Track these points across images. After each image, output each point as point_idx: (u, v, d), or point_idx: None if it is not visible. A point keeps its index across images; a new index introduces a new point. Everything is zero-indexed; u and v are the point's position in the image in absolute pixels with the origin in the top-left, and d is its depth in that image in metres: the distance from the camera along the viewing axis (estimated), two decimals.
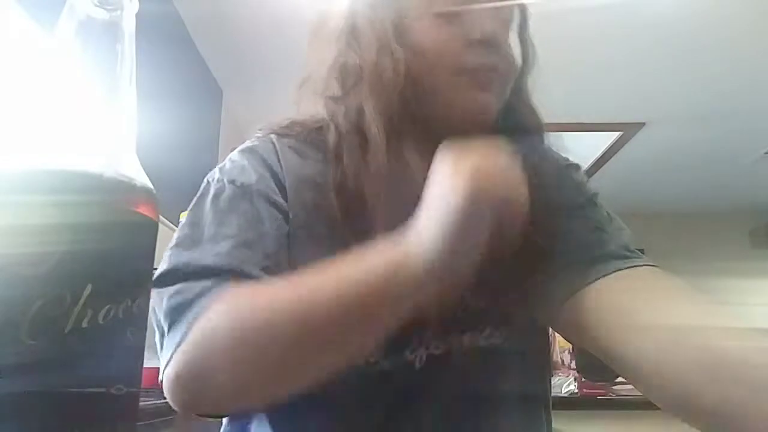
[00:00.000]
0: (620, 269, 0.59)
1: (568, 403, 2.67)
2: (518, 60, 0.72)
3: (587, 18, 2.50)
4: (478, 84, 0.65)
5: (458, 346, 0.61)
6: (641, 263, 0.60)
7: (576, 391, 2.71)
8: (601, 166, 3.81)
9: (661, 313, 0.55)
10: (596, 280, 0.59)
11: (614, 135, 3.51)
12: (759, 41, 2.63)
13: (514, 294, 0.61)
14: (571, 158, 0.77)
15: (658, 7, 2.43)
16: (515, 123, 0.70)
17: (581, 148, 3.71)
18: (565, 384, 2.78)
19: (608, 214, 0.70)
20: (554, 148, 0.75)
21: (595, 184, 0.74)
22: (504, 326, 0.63)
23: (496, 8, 0.68)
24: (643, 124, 3.38)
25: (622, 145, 3.60)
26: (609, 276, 0.59)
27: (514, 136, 0.61)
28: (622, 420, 2.67)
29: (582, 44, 2.68)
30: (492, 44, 0.66)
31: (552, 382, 2.92)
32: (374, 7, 0.69)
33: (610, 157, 3.72)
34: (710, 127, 3.41)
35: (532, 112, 0.74)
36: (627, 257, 0.61)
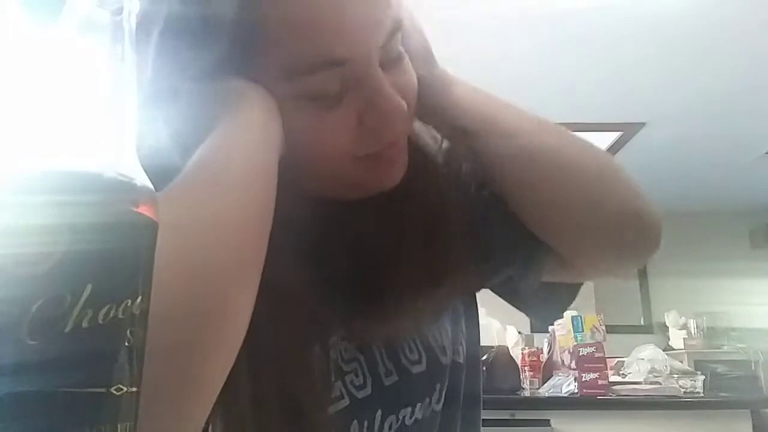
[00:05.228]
0: None
1: (568, 403, 2.67)
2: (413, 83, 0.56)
3: (588, 19, 2.50)
4: (385, 162, 0.54)
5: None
6: None
7: (576, 391, 2.71)
8: None
9: None
10: None
11: (614, 135, 3.51)
12: (759, 41, 2.63)
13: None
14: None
15: (659, 7, 2.43)
16: None
17: None
18: (565, 384, 2.78)
19: None
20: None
21: None
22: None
23: (379, 45, 0.50)
24: (644, 124, 3.38)
25: (622, 145, 3.61)
26: None
27: None
28: (622, 420, 2.67)
29: (582, 45, 2.68)
30: (399, 120, 0.52)
31: (551, 383, 2.89)
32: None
33: None
34: (710, 127, 3.42)
35: None
36: None
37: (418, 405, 0.58)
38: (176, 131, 0.48)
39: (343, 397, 0.55)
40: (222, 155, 0.44)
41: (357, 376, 0.57)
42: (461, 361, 0.64)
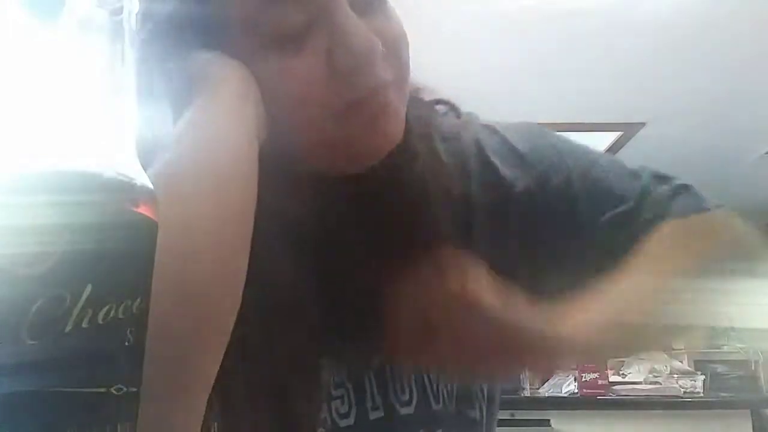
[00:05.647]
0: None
1: (568, 403, 2.67)
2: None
3: (587, 19, 2.50)
4: (368, 116, 0.49)
5: None
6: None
7: (576, 391, 2.71)
8: None
9: None
10: None
11: (614, 135, 3.51)
12: (759, 42, 2.63)
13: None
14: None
15: (659, 7, 2.43)
16: None
17: None
18: (565, 384, 2.78)
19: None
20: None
21: None
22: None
23: None
24: (643, 124, 3.38)
25: (622, 145, 3.60)
26: None
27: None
28: (622, 420, 2.67)
29: (582, 45, 2.67)
30: (372, 59, 0.48)
31: (551, 383, 2.89)
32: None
33: None
34: (710, 127, 3.41)
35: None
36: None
37: None
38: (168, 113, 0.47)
39: (326, 422, 0.55)
40: (198, 148, 0.42)
41: (343, 403, 0.55)
42: (476, 417, 0.61)
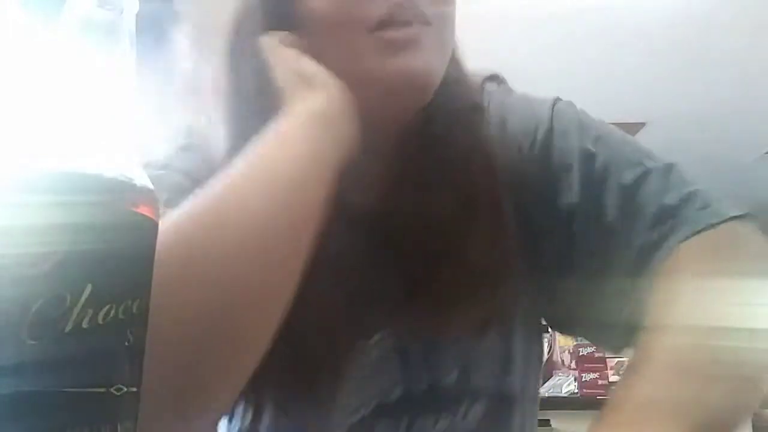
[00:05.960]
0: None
1: (568, 403, 2.67)
2: None
3: (588, 19, 2.50)
4: (400, 42, 0.49)
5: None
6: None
7: (576, 391, 2.71)
8: None
9: None
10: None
11: None
12: (759, 42, 2.63)
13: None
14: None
15: (659, 7, 2.43)
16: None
17: None
18: (565, 384, 2.78)
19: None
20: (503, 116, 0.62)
21: None
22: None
23: None
24: (644, 124, 3.38)
25: None
26: None
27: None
28: None
29: (582, 45, 2.68)
30: None
31: (551, 383, 2.87)
32: None
33: None
34: (710, 127, 3.42)
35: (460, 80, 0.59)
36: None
37: (445, 415, 0.57)
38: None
39: (375, 398, 0.56)
40: (268, 174, 0.44)
41: (391, 376, 0.57)
42: (512, 392, 0.61)
